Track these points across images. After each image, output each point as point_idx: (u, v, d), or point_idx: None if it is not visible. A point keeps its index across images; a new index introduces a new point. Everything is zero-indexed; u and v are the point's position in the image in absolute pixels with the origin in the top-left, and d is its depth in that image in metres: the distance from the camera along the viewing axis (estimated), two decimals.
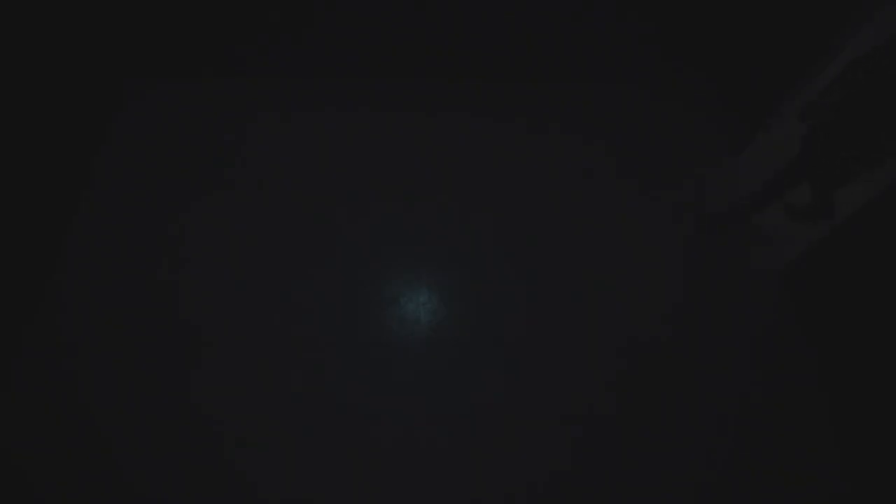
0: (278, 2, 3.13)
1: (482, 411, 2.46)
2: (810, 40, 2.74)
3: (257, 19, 3.22)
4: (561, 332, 2.68)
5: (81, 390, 2.47)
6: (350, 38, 3.35)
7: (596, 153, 3.29)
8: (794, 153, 2.84)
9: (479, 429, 2.43)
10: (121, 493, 2.26)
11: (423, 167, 3.22)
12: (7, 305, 2.54)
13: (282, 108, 3.45)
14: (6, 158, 2.56)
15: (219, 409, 2.44)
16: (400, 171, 3.20)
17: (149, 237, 2.91)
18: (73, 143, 3.04)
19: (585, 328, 2.69)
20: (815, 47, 2.70)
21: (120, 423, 2.40)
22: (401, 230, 2.98)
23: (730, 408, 2.51)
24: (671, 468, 2.37)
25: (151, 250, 2.87)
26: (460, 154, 3.29)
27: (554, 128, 3.40)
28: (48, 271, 2.78)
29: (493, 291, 2.79)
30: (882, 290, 2.26)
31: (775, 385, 2.57)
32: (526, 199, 3.10)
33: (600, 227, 3.02)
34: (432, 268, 2.87)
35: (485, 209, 3.06)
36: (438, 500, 2.27)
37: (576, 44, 3.39)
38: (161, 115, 3.40)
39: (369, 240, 2.95)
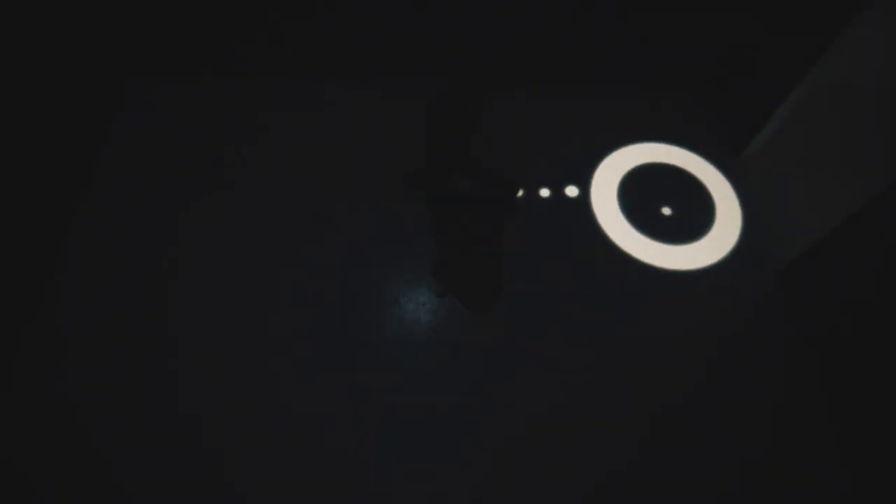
0: (278, 2, 3.13)
1: (482, 412, 2.47)
2: (810, 40, 2.74)
3: (257, 19, 3.22)
4: (562, 332, 2.68)
5: (82, 390, 2.47)
6: (350, 37, 3.35)
7: (595, 153, 3.29)
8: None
9: (479, 429, 2.43)
10: (121, 493, 2.26)
11: (423, 167, 3.22)
12: (7, 305, 2.54)
13: (282, 107, 3.45)
14: (6, 158, 2.56)
15: (218, 409, 2.44)
16: (400, 171, 3.20)
17: (149, 237, 2.91)
18: (73, 143, 3.04)
19: (586, 328, 2.70)
20: (815, 46, 2.70)
21: (120, 423, 2.40)
22: (401, 230, 2.98)
23: (730, 408, 2.51)
24: (671, 468, 2.37)
25: (151, 250, 2.87)
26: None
27: (554, 128, 3.40)
28: (48, 271, 2.78)
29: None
30: (882, 291, 2.26)
31: (775, 385, 2.57)
32: (525, 199, 3.11)
33: (601, 227, 3.02)
34: (432, 268, 2.87)
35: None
36: (438, 502, 2.27)
37: (576, 44, 3.39)
38: (161, 115, 3.40)
39: (369, 240, 2.95)
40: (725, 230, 3.04)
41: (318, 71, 3.55)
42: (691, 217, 3.08)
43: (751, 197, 3.16)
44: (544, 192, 3.13)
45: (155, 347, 2.58)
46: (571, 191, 3.14)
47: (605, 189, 3.15)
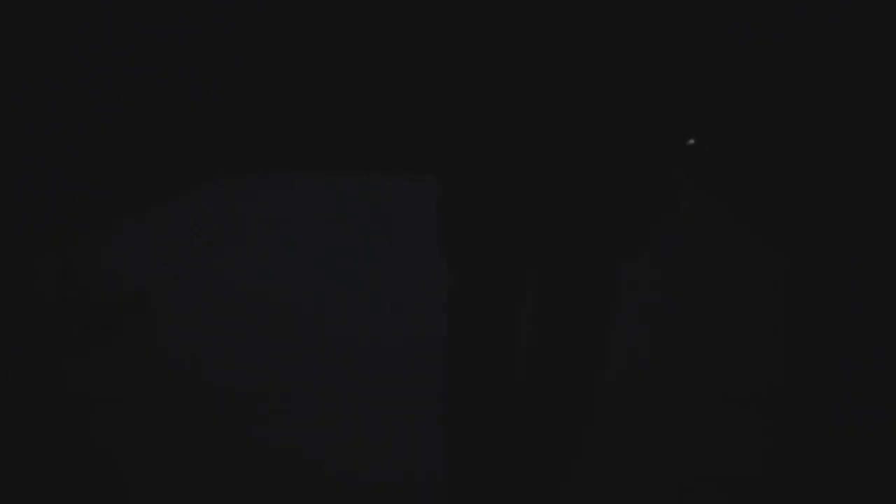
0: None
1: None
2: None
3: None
4: None
5: (82, 389, 2.47)
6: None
7: None
8: None
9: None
10: (120, 491, 2.25)
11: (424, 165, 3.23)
12: (7, 304, 2.54)
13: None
14: (5, 158, 2.57)
15: (217, 409, 2.44)
16: (399, 167, 3.21)
17: (147, 238, 2.92)
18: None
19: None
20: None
21: (120, 421, 2.40)
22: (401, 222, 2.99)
23: (726, 405, 2.51)
24: (673, 467, 2.37)
25: (151, 250, 2.87)
26: None
27: None
28: (47, 271, 2.78)
29: None
30: (882, 290, 2.26)
31: (773, 383, 2.57)
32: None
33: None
34: (431, 266, 2.87)
35: None
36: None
37: None
38: None
39: (369, 239, 2.96)
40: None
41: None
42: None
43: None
44: None
45: (150, 349, 2.59)
46: None
47: None
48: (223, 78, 3.72)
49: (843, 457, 2.32)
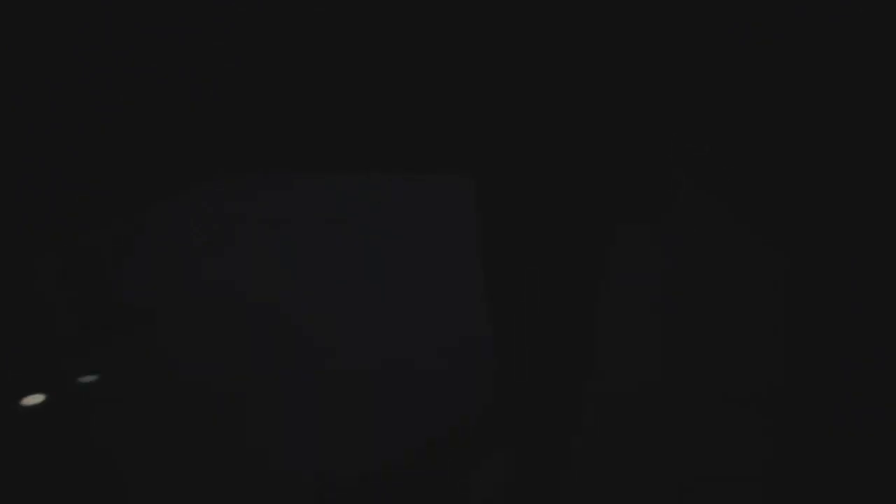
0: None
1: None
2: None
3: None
4: None
5: (82, 388, 2.46)
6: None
7: None
8: None
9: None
10: (120, 491, 2.25)
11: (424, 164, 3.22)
12: (8, 304, 2.53)
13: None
14: (5, 158, 2.56)
15: (217, 409, 2.44)
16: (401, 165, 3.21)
17: (148, 237, 2.91)
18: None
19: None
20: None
21: (120, 421, 2.40)
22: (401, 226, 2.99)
23: (731, 407, 2.50)
24: (673, 467, 2.36)
25: (151, 250, 2.87)
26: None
27: None
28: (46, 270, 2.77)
29: None
30: (882, 290, 2.26)
31: (777, 384, 2.56)
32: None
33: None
34: (432, 266, 2.87)
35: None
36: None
37: None
38: None
39: (369, 239, 2.95)
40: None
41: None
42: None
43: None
44: None
45: (150, 349, 2.58)
46: None
47: None
48: (223, 78, 3.72)
49: (843, 457, 2.31)
